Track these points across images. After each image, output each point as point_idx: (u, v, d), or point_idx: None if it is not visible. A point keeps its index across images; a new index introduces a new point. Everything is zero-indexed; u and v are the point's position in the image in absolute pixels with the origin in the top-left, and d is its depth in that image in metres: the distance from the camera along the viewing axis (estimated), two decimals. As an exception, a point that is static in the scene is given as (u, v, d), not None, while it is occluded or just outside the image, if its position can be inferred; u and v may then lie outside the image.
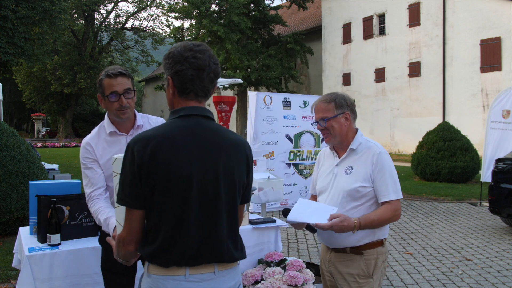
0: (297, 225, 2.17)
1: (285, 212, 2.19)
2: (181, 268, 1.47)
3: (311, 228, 2.19)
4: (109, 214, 2.07)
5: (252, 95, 8.23)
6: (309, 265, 3.16)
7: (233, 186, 1.56)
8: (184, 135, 1.49)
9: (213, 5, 28.04)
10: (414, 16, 22.24)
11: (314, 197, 2.45)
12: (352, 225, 2.00)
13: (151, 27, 41.64)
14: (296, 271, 2.85)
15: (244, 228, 2.89)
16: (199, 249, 1.48)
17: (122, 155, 1.53)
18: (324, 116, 2.18)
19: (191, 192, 1.46)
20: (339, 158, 2.26)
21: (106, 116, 2.39)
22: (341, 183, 2.18)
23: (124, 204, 1.47)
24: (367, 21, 24.62)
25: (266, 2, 30.85)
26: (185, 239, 1.46)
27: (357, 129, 2.26)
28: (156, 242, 1.47)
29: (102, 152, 2.30)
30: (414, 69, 22.37)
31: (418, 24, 22.06)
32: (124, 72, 2.30)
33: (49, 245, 2.30)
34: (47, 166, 8.39)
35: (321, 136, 8.67)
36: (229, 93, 29.97)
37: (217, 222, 1.51)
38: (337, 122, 2.17)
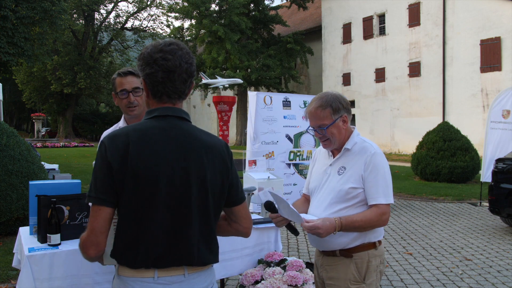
0: (277, 221, 2.11)
1: (268, 205, 2.10)
2: (149, 269, 1.45)
3: (293, 229, 2.14)
4: None
5: (252, 95, 8.23)
6: (309, 265, 3.16)
7: (205, 188, 1.52)
8: (156, 135, 1.47)
9: (213, 5, 28.07)
10: (414, 16, 22.24)
11: (305, 197, 2.39)
12: (333, 223, 1.95)
13: (151, 27, 41.71)
14: (296, 271, 2.85)
15: (244, 228, 2.89)
16: (167, 251, 1.46)
17: None
18: (323, 124, 2.09)
19: (158, 192, 1.44)
20: (334, 157, 2.20)
21: (122, 116, 2.64)
22: (333, 183, 2.11)
23: (94, 201, 1.42)
24: (367, 21, 24.62)
25: (266, 2, 30.93)
26: (150, 238, 1.44)
27: (353, 128, 2.18)
28: (122, 242, 1.46)
29: None
30: (414, 69, 22.38)
31: (418, 24, 22.06)
32: (134, 71, 2.48)
33: (49, 245, 2.30)
34: (47, 166, 8.39)
35: (321, 136, 8.70)
36: (229, 93, 29.99)
37: (187, 224, 1.49)
38: (336, 128, 2.09)
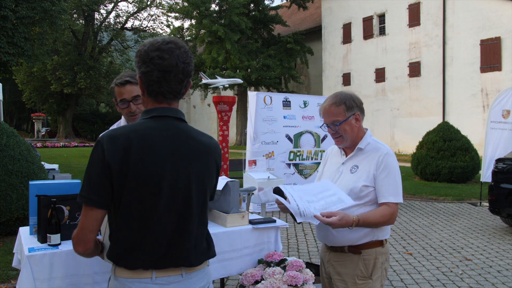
0: (283, 208, 2.11)
1: (277, 191, 2.11)
2: (147, 270, 1.45)
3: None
4: None
5: (252, 95, 8.23)
6: (309, 265, 3.16)
7: (203, 190, 1.54)
8: (156, 136, 1.45)
9: (213, 5, 28.04)
10: (414, 16, 22.24)
11: None
12: (351, 222, 1.98)
13: (151, 27, 41.73)
14: (296, 271, 2.84)
15: (244, 228, 2.89)
16: (167, 252, 1.46)
17: None
18: (336, 120, 2.15)
19: (161, 194, 1.43)
20: (346, 156, 2.24)
21: (122, 116, 2.62)
22: (345, 181, 2.16)
23: (85, 201, 1.40)
24: (367, 21, 24.62)
25: (266, 2, 30.90)
26: (152, 240, 1.44)
27: (366, 129, 2.25)
28: (121, 243, 1.45)
29: None
30: (414, 69, 22.37)
31: (418, 24, 22.06)
32: (132, 80, 2.43)
33: (49, 245, 2.30)
34: (47, 166, 8.38)
35: (321, 136, 8.72)
36: (229, 93, 29.97)
37: (188, 225, 1.49)
38: (348, 125, 2.15)
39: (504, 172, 6.64)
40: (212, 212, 2.95)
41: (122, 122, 2.65)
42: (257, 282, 2.80)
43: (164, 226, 1.45)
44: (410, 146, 19.52)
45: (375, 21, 24.29)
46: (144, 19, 56.66)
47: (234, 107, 12.49)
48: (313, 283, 2.84)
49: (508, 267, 5.01)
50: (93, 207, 1.41)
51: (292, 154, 8.45)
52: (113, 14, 41.40)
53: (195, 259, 1.52)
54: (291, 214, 2.17)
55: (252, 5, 28.80)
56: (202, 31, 28.02)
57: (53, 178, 8.00)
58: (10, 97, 45.49)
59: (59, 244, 2.31)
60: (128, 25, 41.41)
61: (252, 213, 3.42)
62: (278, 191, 2.15)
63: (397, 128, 23.25)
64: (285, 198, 2.14)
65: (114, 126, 2.63)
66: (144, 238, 1.44)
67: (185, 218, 1.49)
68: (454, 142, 11.74)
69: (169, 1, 37.94)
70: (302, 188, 2.10)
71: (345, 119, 2.14)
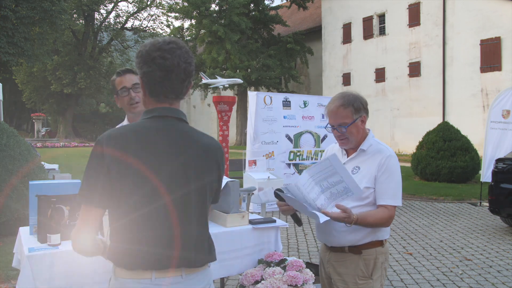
0: (284, 210, 2.06)
1: (277, 193, 2.06)
2: (147, 271, 1.45)
3: (297, 219, 2.15)
4: None
5: (252, 95, 8.24)
6: (309, 265, 3.16)
7: (203, 191, 1.53)
8: (156, 136, 1.45)
9: (213, 5, 28.05)
10: (414, 16, 22.24)
11: None
12: (350, 220, 1.99)
13: (151, 27, 41.74)
14: (296, 271, 2.84)
15: (244, 228, 2.89)
16: (166, 253, 1.46)
17: None
18: (343, 123, 2.12)
19: (159, 194, 1.43)
20: (348, 157, 2.23)
21: (125, 116, 2.67)
22: None
23: (85, 201, 1.42)
24: (367, 21, 24.62)
25: (266, 2, 30.88)
26: (150, 241, 1.44)
27: (368, 129, 2.23)
28: (121, 243, 1.45)
29: None
30: (414, 69, 22.37)
31: (418, 24, 22.06)
32: (132, 70, 2.51)
33: (49, 245, 2.30)
34: (47, 166, 8.37)
35: (321, 136, 8.72)
36: (229, 93, 29.97)
37: (187, 226, 1.49)
38: (355, 127, 2.13)
39: (504, 172, 6.64)
40: (212, 212, 2.95)
41: (125, 122, 2.66)
42: (257, 282, 2.80)
43: (164, 226, 1.45)
44: (410, 146, 19.51)
45: (375, 21, 24.29)
46: (144, 19, 56.66)
47: (234, 107, 12.49)
48: (313, 283, 2.84)
49: (508, 267, 5.01)
50: (91, 207, 1.42)
51: (292, 154, 8.45)
52: (113, 14, 41.47)
53: (195, 260, 1.52)
54: (292, 217, 2.17)
55: (252, 5, 28.81)
56: (202, 31, 28.04)
57: (53, 178, 8.00)
58: (10, 97, 45.43)
59: (59, 244, 2.31)
60: (128, 25, 41.47)
61: (252, 213, 3.41)
62: (278, 194, 2.13)
63: (397, 128, 23.25)
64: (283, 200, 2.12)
65: (117, 127, 2.65)
66: (143, 238, 1.44)
67: (184, 219, 1.49)
68: (454, 142, 11.74)
69: (169, 1, 37.97)
70: (306, 178, 1.97)
71: (352, 122, 2.12)
